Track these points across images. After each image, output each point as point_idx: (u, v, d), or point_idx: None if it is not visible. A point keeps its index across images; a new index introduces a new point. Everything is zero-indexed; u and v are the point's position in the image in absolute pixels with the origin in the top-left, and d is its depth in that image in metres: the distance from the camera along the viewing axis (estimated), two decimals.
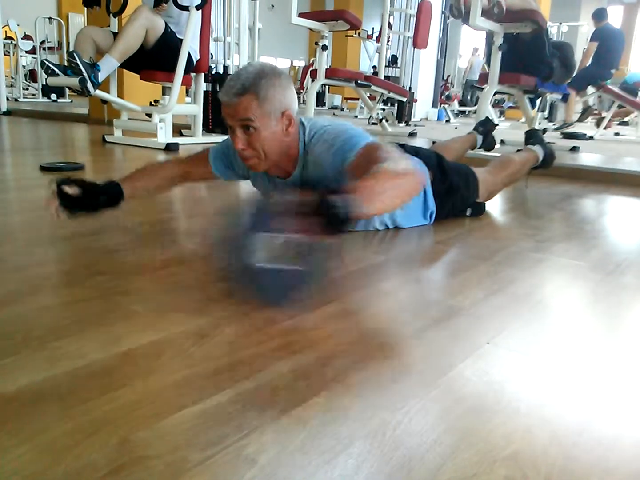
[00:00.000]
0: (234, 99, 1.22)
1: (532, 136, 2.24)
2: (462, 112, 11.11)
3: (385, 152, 1.17)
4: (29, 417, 0.60)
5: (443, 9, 8.34)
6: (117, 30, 3.40)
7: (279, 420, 0.62)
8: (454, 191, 1.67)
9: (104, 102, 3.68)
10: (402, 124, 6.25)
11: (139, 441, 0.57)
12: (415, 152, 1.70)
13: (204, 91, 3.91)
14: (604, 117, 6.02)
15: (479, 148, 2.48)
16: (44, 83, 8.19)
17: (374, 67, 7.88)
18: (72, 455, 0.54)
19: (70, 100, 8.89)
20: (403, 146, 1.76)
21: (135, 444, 0.57)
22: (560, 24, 9.04)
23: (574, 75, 3.84)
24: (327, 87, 11.28)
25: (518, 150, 2.25)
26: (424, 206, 1.61)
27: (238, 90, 1.21)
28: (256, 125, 1.23)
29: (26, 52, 9.15)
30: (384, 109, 6.26)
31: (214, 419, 0.62)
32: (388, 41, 6.64)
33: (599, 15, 6.03)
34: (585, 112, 6.07)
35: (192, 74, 3.67)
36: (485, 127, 2.48)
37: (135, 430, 0.59)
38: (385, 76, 5.93)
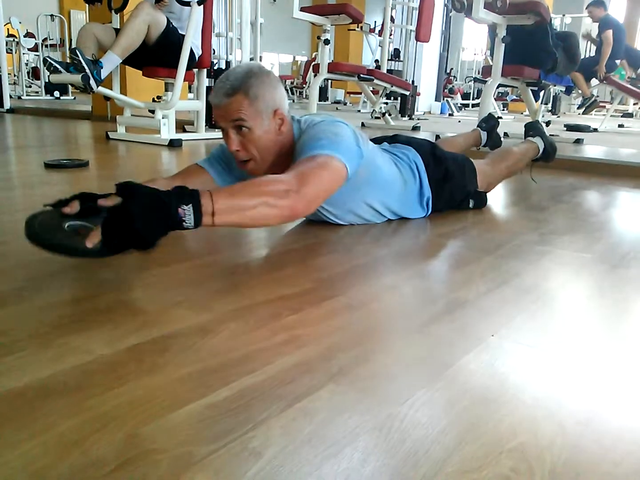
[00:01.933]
0: (224, 99, 1.22)
1: (532, 128, 2.22)
2: (465, 106, 11.07)
3: (315, 169, 1.15)
4: (35, 413, 0.61)
5: (446, 2, 8.29)
6: (119, 27, 3.40)
7: (284, 414, 0.62)
8: (449, 178, 1.66)
9: (107, 98, 3.67)
10: (405, 118, 6.23)
11: (145, 436, 0.57)
12: (408, 141, 1.70)
13: (207, 87, 3.91)
14: (593, 103, 5.93)
15: (484, 146, 2.44)
16: (47, 80, 8.22)
17: (376, 60, 7.84)
18: (79, 451, 0.55)
19: (73, 98, 8.91)
20: (395, 137, 1.76)
21: (142, 439, 0.57)
22: (564, 15, 8.97)
23: (578, 65, 3.81)
24: (329, 81, 11.26)
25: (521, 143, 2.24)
26: (420, 193, 1.61)
27: (228, 90, 1.21)
28: (249, 124, 1.23)
29: (29, 49, 9.16)
30: (386, 103, 6.25)
31: (220, 414, 0.62)
32: (390, 35, 6.60)
33: (602, 3, 5.96)
34: (592, 104, 6.02)
35: (195, 70, 3.67)
36: (489, 124, 2.46)
37: (142, 425, 0.59)
38: (388, 70, 5.91)
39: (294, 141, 1.32)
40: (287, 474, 0.53)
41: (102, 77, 3.07)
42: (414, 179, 1.58)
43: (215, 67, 4.48)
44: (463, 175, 1.72)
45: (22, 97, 8.17)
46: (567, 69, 3.74)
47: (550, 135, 4.14)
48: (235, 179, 1.43)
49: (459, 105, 10.21)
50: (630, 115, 9.53)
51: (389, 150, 1.61)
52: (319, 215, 1.48)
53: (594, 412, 0.66)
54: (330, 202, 1.43)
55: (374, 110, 5.54)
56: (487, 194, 1.85)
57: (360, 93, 8.04)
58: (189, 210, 0.93)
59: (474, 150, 2.45)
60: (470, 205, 1.79)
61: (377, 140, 1.76)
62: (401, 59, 7.56)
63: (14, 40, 8.80)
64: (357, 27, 8.12)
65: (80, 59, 2.93)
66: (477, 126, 2.47)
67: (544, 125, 3.93)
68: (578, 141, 4.07)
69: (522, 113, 9.64)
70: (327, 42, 4.06)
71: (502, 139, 2.50)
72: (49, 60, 3.04)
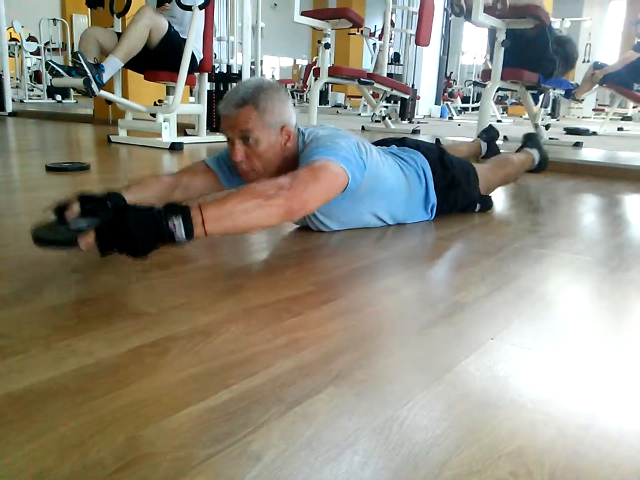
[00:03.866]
0: (233, 110, 1.23)
1: (531, 139, 2.26)
2: (465, 109, 11.09)
3: (311, 170, 1.16)
4: (36, 415, 0.61)
5: (445, 6, 8.31)
6: (120, 31, 3.42)
7: (284, 417, 0.63)
8: (455, 185, 1.66)
9: (109, 102, 3.69)
10: (405, 121, 6.24)
11: (145, 438, 0.58)
12: (416, 145, 1.70)
13: (208, 91, 3.92)
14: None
15: (483, 157, 2.44)
16: (49, 84, 8.24)
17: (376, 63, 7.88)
18: (80, 453, 0.55)
19: (75, 101, 8.92)
20: (404, 140, 1.76)
21: (142, 442, 0.57)
22: (563, 19, 8.99)
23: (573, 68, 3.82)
24: (330, 85, 11.27)
25: (517, 151, 2.25)
26: (426, 199, 1.61)
27: (238, 102, 1.23)
28: (255, 136, 1.24)
29: (31, 53, 9.17)
30: (387, 107, 6.25)
31: (220, 416, 0.62)
32: (390, 39, 6.62)
33: None
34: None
35: (196, 74, 3.68)
36: (489, 135, 2.47)
37: (142, 428, 0.59)
38: (388, 74, 5.92)
39: (297, 154, 1.33)
40: (286, 477, 0.53)
41: (104, 81, 3.08)
42: (420, 185, 1.58)
43: (217, 71, 4.50)
44: (468, 182, 1.72)
45: (24, 101, 8.18)
46: (562, 72, 3.76)
47: (550, 138, 4.15)
48: (240, 182, 1.42)
49: (459, 108, 10.21)
50: (629, 118, 9.54)
51: (397, 154, 1.60)
52: (320, 227, 1.47)
53: (594, 417, 0.66)
54: (332, 215, 1.42)
55: (374, 113, 5.54)
56: (492, 198, 1.86)
57: (361, 97, 8.05)
58: (179, 223, 0.95)
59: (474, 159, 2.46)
60: (477, 209, 1.79)
61: (385, 143, 1.76)
62: (401, 62, 7.58)
63: (16, 44, 8.82)
64: (358, 31, 8.16)
65: (82, 62, 2.94)
66: (478, 137, 2.47)
67: (543, 129, 3.94)
68: (577, 144, 4.08)
69: (521, 117, 9.65)
70: (327, 46, 4.07)
71: (500, 151, 2.51)
72: (51, 63, 3.05)
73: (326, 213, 1.41)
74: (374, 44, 8.80)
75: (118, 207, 1.06)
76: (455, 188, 1.67)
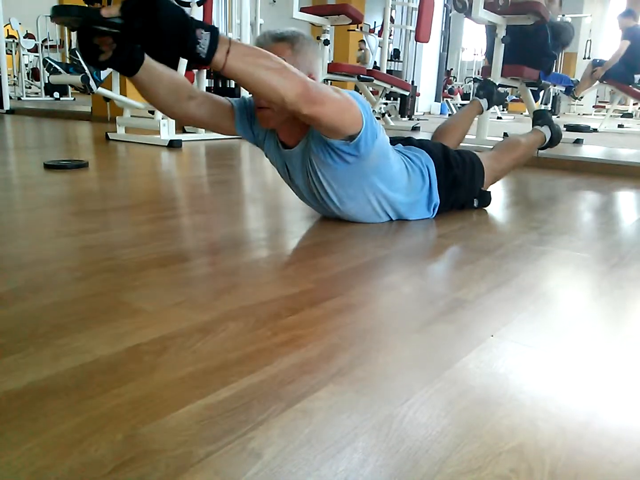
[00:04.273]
0: (270, 41, 1.26)
1: (541, 116, 2.21)
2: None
3: (338, 92, 1.21)
4: (35, 413, 0.61)
5: (445, 2, 8.30)
6: None
7: (284, 414, 0.62)
8: (458, 184, 1.66)
9: (107, 99, 3.68)
10: (405, 118, 6.23)
11: (145, 436, 0.57)
12: (420, 144, 1.70)
13: (206, 87, 3.91)
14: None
15: (487, 109, 2.42)
16: (47, 81, 8.22)
17: (374, 62, 7.87)
18: (79, 451, 0.55)
19: (73, 99, 8.90)
20: (409, 139, 1.76)
21: (141, 439, 0.57)
22: (564, 15, 8.97)
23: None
24: (329, 82, 11.25)
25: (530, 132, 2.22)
26: (429, 198, 1.61)
27: (277, 35, 1.26)
28: None
29: (28, 50, 9.15)
30: (386, 103, 6.24)
31: (219, 414, 0.62)
32: (390, 35, 6.61)
33: (630, 13, 5.87)
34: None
35: (195, 71, 3.67)
36: (487, 89, 2.42)
37: (141, 426, 0.59)
38: (387, 70, 5.91)
39: None
40: (286, 474, 0.53)
41: (102, 78, 3.08)
42: (424, 183, 1.58)
43: None
44: (472, 180, 1.72)
45: (22, 98, 8.17)
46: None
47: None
48: (251, 135, 1.48)
49: (459, 105, 10.20)
50: (630, 115, 9.53)
51: (402, 152, 1.61)
52: (319, 197, 1.46)
53: (594, 414, 0.66)
54: (335, 182, 1.42)
55: (373, 110, 5.54)
56: (491, 193, 1.85)
57: (360, 94, 8.03)
58: (206, 35, 0.92)
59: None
60: (475, 204, 1.79)
61: (391, 142, 1.75)
62: (401, 59, 7.57)
63: (13, 41, 8.80)
64: (357, 28, 8.13)
65: (80, 59, 2.93)
66: (475, 95, 2.44)
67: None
68: (578, 141, 4.07)
69: (521, 113, 9.65)
70: (327, 42, 4.06)
71: (506, 94, 2.47)
72: (49, 61, 3.04)
73: (330, 178, 1.40)
74: (361, 40, 8.88)
75: None
76: (458, 187, 1.67)
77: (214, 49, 0.94)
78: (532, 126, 2.21)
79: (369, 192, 1.47)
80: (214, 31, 0.94)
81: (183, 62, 3.25)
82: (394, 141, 1.76)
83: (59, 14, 0.97)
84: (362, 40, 9.67)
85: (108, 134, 3.62)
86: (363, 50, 10.31)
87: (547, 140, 2.14)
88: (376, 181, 1.45)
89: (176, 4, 0.91)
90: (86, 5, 0.95)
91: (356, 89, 5.00)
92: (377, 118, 5.46)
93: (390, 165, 1.47)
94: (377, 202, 1.51)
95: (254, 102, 1.32)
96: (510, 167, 1.97)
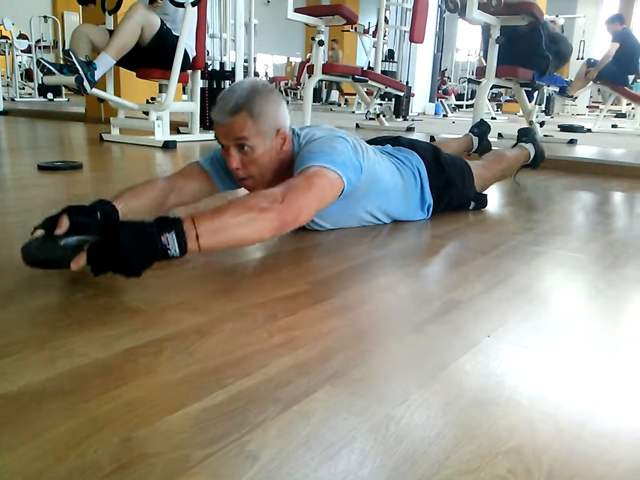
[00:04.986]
0: (227, 117, 1.20)
1: (526, 134, 2.23)
2: (459, 107, 11.10)
3: (306, 178, 1.15)
4: (31, 416, 0.60)
5: (439, 3, 8.31)
6: (112, 28, 3.39)
7: (281, 416, 0.62)
8: (450, 185, 1.66)
9: (101, 100, 3.66)
10: (400, 119, 6.24)
11: (141, 439, 0.57)
12: (412, 144, 1.70)
13: (201, 88, 3.90)
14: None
15: (475, 152, 2.43)
16: (41, 82, 8.18)
17: (368, 62, 7.88)
18: (75, 454, 0.54)
19: (66, 99, 8.87)
20: (398, 139, 1.76)
21: (137, 442, 0.57)
22: (557, 16, 9.01)
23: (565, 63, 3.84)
24: (324, 82, 11.26)
25: (513, 146, 2.24)
26: (422, 199, 1.61)
27: (232, 108, 1.20)
28: (251, 143, 1.22)
29: (22, 51, 9.11)
30: (381, 104, 6.25)
31: (216, 416, 0.62)
32: (384, 36, 6.62)
33: (617, 18, 5.92)
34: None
35: (189, 71, 3.66)
36: (481, 129, 2.46)
37: (137, 429, 0.59)
38: (382, 71, 5.92)
39: (293, 156, 1.32)
40: (284, 476, 0.53)
41: (96, 79, 3.06)
42: (416, 185, 1.58)
43: (210, 69, 4.48)
44: (463, 181, 1.72)
45: (15, 99, 8.12)
46: (555, 68, 3.77)
47: (544, 135, 4.16)
48: (235, 184, 1.40)
49: (453, 106, 10.22)
50: (623, 115, 9.58)
51: (392, 154, 1.60)
52: (315, 227, 1.46)
53: (591, 414, 0.66)
54: (326, 216, 1.41)
55: (368, 111, 5.54)
56: (487, 196, 1.85)
57: (355, 94, 8.05)
58: (172, 237, 0.92)
59: (465, 154, 2.45)
60: (471, 207, 1.79)
61: (380, 142, 1.75)
62: (395, 60, 7.58)
63: (7, 41, 8.76)
64: (351, 28, 8.14)
65: (74, 60, 2.92)
66: (470, 131, 2.47)
67: (537, 126, 3.94)
68: (572, 142, 4.09)
69: (516, 114, 9.67)
70: (321, 43, 4.06)
71: (491, 145, 2.49)
72: (43, 61, 3.02)
73: (321, 215, 1.40)
74: (333, 40, 9.00)
75: (108, 222, 1.04)
76: (451, 187, 1.67)
77: (183, 246, 0.93)
78: (517, 142, 2.20)
79: (362, 212, 1.48)
80: (177, 228, 0.93)
81: (177, 64, 3.24)
82: (382, 141, 1.76)
83: (32, 264, 0.98)
84: (334, 40, 9.79)
85: (102, 134, 3.61)
86: (335, 50, 10.45)
87: (532, 157, 2.15)
88: (369, 201, 1.46)
89: (135, 224, 0.92)
90: (56, 244, 0.96)
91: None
92: (371, 119, 5.48)
93: (381, 180, 1.44)
94: (372, 215, 1.52)
95: (234, 174, 1.29)
96: (496, 178, 1.99)
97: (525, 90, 3.92)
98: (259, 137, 1.22)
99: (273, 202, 1.04)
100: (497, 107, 11.09)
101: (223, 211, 1.00)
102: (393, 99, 6.32)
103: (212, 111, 1.24)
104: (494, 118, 7.69)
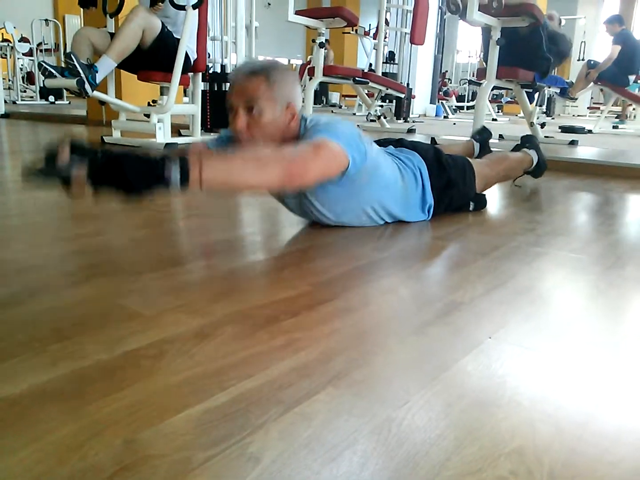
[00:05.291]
0: (243, 77, 1.25)
1: (529, 141, 2.24)
2: (460, 108, 11.10)
3: (311, 146, 1.18)
4: (33, 419, 0.60)
5: (440, 5, 8.32)
6: (113, 31, 3.40)
7: (283, 418, 0.62)
8: (451, 186, 1.67)
9: (102, 103, 3.67)
10: (401, 121, 6.25)
11: (143, 441, 0.57)
12: (413, 146, 1.70)
13: (202, 91, 3.91)
14: None
15: (476, 158, 2.44)
16: (42, 85, 8.20)
17: (370, 64, 7.89)
18: (77, 456, 0.54)
19: (68, 102, 8.89)
20: (401, 140, 1.76)
21: (140, 444, 0.57)
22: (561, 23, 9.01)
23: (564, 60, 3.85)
24: (326, 85, 11.26)
25: (513, 149, 2.24)
26: (422, 200, 1.61)
27: (251, 69, 1.25)
28: (261, 106, 1.25)
29: (23, 54, 9.12)
30: (382, 106, 6.26)
31: (218, 418, 0.62)
32: (385, 37, 6.63)
33: (617, 19, 5.93)
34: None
35: (190, 74, 3.66)
36: (482, 136, 2.47)
37: (139, 431, 0.59)
38: (383, 73, 5.92)
39: (298, 137, 1.33)
40: (285, 478, 0.53)
41: (97, 82, 3.07)
42: (417, 185, 1.58)
43: (211, 71, 4.49)
44: (464, 181, 1.72)
45: (17, 102, 8.14)
46: (556, 65, 3.77)
47: (545, 136, 4.16)
48: None
49: (454, 107, 10.22)
50: (624, 116, 9.57)
51: (394, 154, 1.61)
52: (313, 215, 1.47)
53: (592, 414, 0.66)
54: (328, 203, 1.43)
55: (369, 113, 5.55)
56: (486, 196, 1.86)
57: (356, 96, 8.05)
58: (175, 165, 0.94)
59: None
60: (471, 207, 1.79)
61: (383, 143, 1.76)
62: (396, 61, 7.59)
63: (8, 45, 8.78)
64: (352, 30, 8.16)
65: (75, 63, 2.92)
66: (471, 137, 2.47)
67: (538, 127, 3.94)
68: (573, 143, 4.09)
69: (516, 115, 9.68)
70: (322, 45, 4.06)
71: (492, 149, 2.49)
72: (44, 64, 3.03)
73: (323, 200, 1.41)
74: (325, 40, 9.01)
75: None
76: (452, 188, 1.67)
77: (186, 172, 0.95)
78: (519, 149, 2.19)
79: (364, 203, 1.48)
80: (181, 158, 0.95)
81: (178, 67, 3.25)
82: (385, 143, 1.77)
83: (31, 177, 0.96)
84: (326, 40, 9.78)
85: (104, 137, 3.61)
86: (327, 50, 10.47)
87: (534, 164, 2.15)
88: (370, 193, 1.46)
89: (134, 148, 0.93)
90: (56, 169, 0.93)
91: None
92: (372, 120, 5.49)
93: (383, 173, 1.47)
94: (373, 210, 1.51)
95: (237, 136, 1.30)
96: (499, 178, 1.99)
97: (526, 92, 3.92)
98: (269, 102, 1.25)
99: (283, 155, 1.09)
100: (498, 109, 11.09)
101: (232, 156, 1.04)
102: (394, 101, 6.33)
103: (229, 74, 1.29)
104: (495, 119, 7.69)
